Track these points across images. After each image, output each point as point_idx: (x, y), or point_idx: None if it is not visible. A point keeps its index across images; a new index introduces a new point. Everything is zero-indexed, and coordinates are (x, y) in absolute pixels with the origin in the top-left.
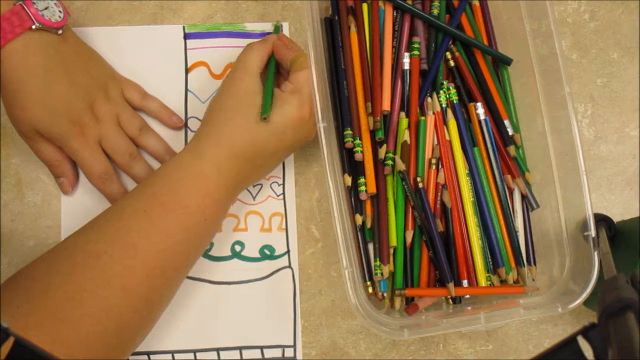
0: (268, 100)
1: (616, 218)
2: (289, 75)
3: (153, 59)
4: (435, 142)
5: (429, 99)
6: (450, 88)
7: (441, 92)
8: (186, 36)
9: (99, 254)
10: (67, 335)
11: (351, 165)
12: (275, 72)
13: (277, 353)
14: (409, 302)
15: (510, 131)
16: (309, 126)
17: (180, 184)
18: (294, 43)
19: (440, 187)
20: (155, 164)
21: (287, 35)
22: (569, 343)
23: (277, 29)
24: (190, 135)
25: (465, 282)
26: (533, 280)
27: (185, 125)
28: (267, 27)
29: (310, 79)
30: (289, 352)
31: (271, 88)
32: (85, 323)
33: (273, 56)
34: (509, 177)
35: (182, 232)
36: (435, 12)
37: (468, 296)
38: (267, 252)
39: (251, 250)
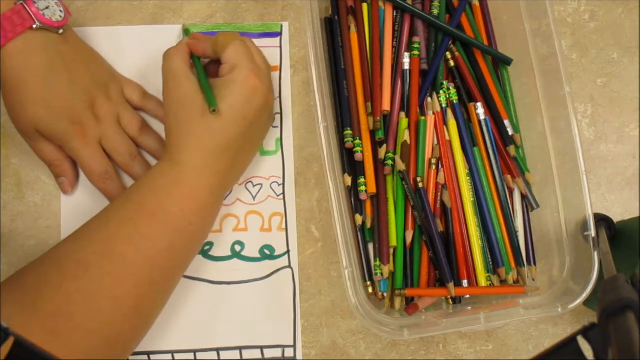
0: (209, 94)
1: (616, 218)
2: (221, 58)
3: (153, 59)
4: (435, 142)
5: (429, 99)
6: (450, 88)
7: (441, 92)
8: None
9: (87, 265)
10: (59, 347)
11: (351, 165)
12: (203, 67)
13: (277, 353)
14: (409, 302)
15: (510, 131)
16: (263, 92)
17: (163, 191)
18: (205, 35)
19: (440, 187)
20: None
21: (287, 36)
22: (569, 343)
23: (187, 31)
24: None
25: (465, 282)
26: (533, 280)
27: None
28: (268, 27)
29: (311, 79)
30: (289, 352)
31: (206, 81)
32: (76, 335)
33: (194, 55)
34: (509, 177)
35: (169, 238)
36: (435, 12)
37: (468, 296)
38: (267, 252)
39: (251, 250)
